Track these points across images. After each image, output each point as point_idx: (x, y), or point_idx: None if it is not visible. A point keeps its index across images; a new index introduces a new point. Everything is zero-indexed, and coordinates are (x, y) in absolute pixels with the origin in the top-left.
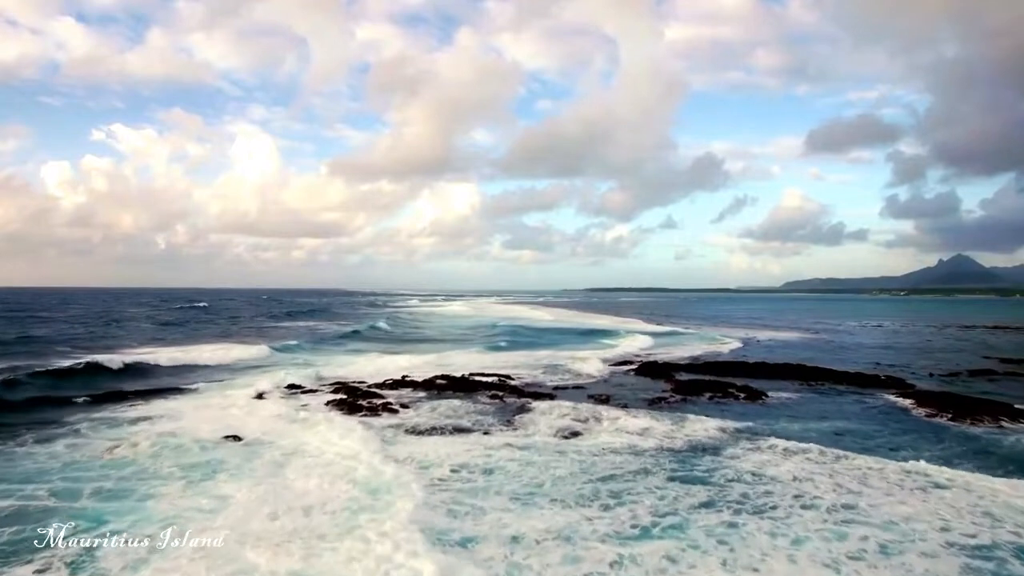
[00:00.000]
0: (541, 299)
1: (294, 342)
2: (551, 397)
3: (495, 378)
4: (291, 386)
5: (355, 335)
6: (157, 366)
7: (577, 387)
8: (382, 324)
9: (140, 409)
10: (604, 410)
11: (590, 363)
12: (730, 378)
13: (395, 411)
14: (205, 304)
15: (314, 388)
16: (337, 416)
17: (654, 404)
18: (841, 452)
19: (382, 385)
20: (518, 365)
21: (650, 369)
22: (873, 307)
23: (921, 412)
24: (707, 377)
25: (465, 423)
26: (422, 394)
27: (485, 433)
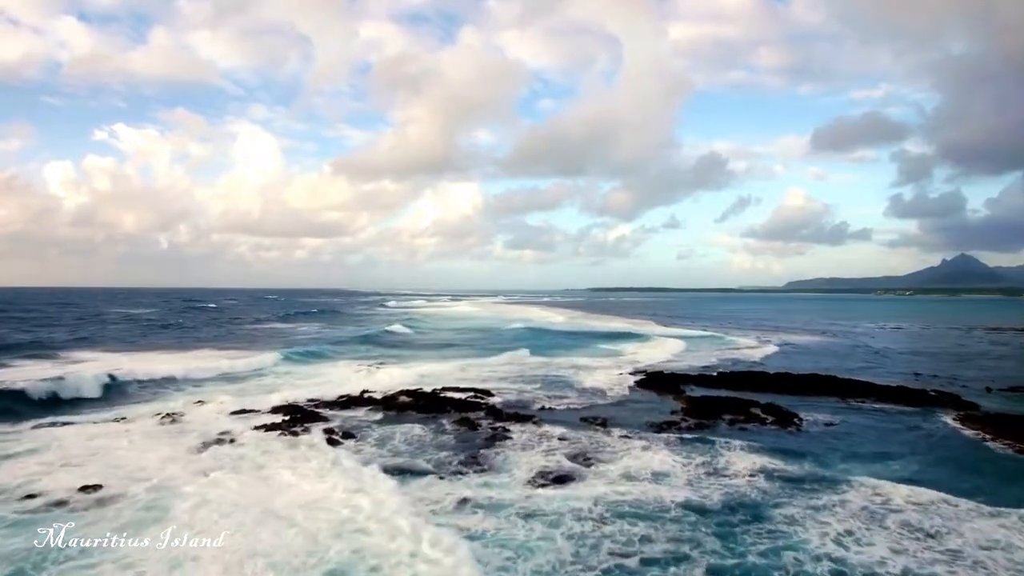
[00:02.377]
0: (546, 299)
1: (289, 350)
2: (535, 421)
3: (471, 393)
4: (236, 408)
5: (365, 339)
6: (99, 377)
7: (571, 408)
8: (396, 328)
9: (11, 440)
10: (606, 439)
11: (595, 373)
12: (750, 393)
13: (335, 442)
14: (214, 305)
15: (253, 408)
16: (255, 451)
17: (664, 429)
18: (950, 511)
19: (333, 403)
20: (525, 376)
21: (658, 382)
22: (881, 307)
23: (1006, 445)
24: (724, 393)
25: (420, 462)
26: (377, 416)
27: (442, 478)
